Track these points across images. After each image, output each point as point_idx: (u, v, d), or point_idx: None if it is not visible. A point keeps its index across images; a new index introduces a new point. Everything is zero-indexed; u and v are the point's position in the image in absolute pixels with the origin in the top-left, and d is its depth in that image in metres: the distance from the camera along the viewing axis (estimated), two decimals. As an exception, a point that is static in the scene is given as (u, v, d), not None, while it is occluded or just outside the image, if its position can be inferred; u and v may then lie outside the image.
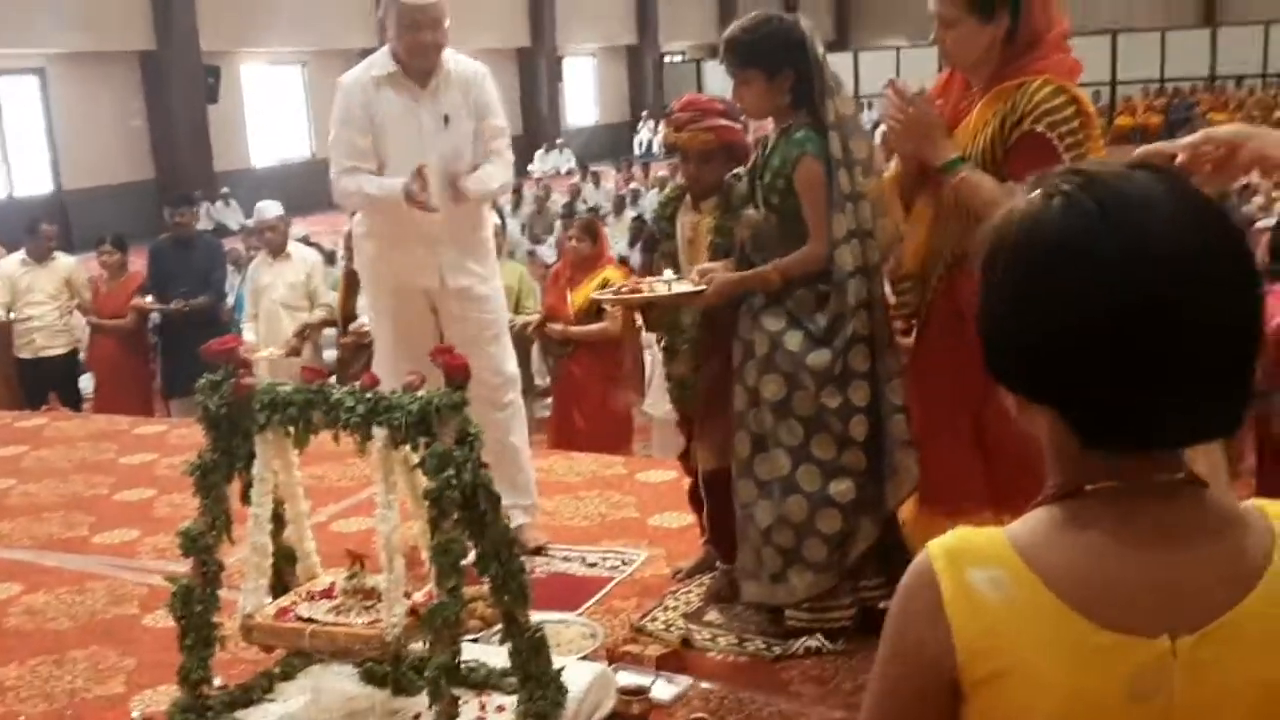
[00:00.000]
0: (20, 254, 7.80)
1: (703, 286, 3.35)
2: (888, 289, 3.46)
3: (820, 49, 3.25)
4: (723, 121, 3.52)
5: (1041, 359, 1.05)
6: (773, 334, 3.28)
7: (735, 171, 3.56)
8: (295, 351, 6.87)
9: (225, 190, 19.54)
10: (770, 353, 3.29)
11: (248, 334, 6.94)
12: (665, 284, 3.44)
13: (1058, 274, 1.03)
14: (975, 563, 1.07)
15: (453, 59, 4.10)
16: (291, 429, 2.87)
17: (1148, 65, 29.31)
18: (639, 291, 3.51)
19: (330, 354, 7.55)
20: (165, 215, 7.94)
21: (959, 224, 2.98)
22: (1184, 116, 24.98)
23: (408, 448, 2.76)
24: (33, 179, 18.67)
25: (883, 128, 3.22)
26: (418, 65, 4.00)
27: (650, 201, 13.84)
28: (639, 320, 4.29)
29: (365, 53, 4.17)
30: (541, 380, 7.13)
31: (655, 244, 3.68)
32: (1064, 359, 1.04)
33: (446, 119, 4.03)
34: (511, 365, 4.29)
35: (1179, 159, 1.78)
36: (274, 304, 7.09)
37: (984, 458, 3.04)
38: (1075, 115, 2.87)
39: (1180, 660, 1.03)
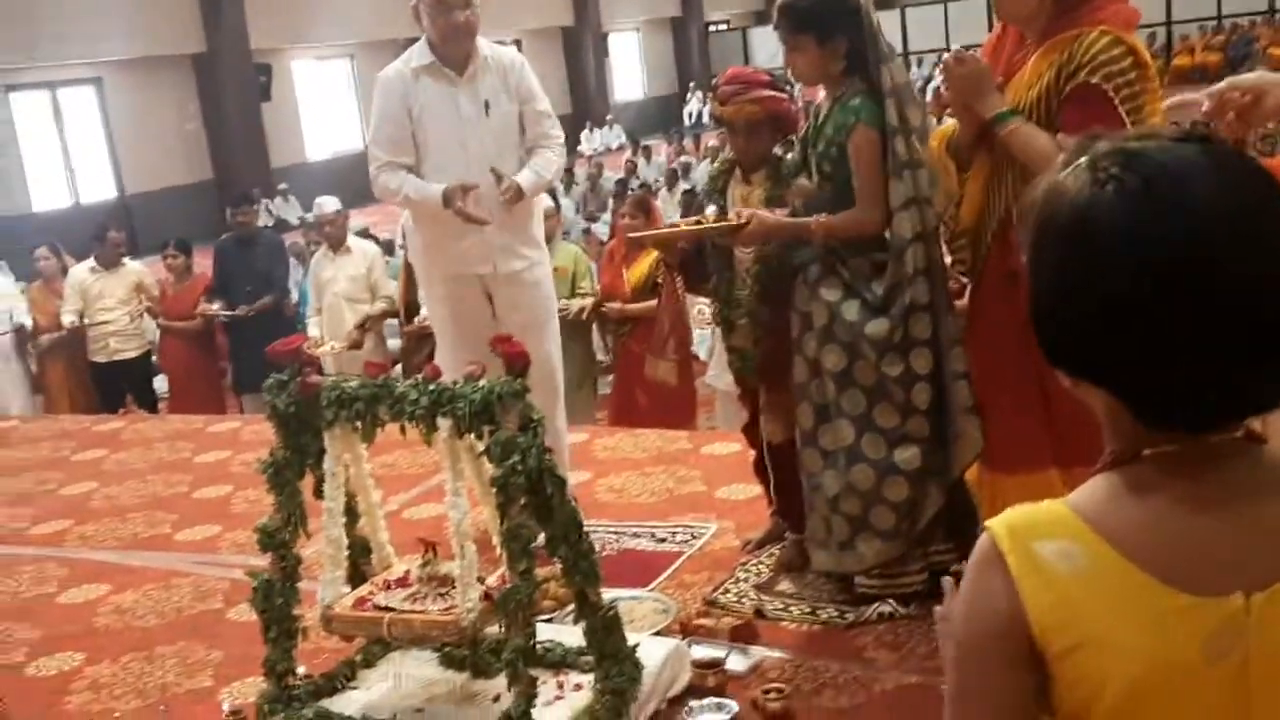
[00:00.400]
0: (90, 261, 7.97)
1: (742, 220, 3.32)
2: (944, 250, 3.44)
3: (874, 15, 3.22)
4: (768, 92, 3.51)
5: (1091, 342, 1.05)
6: (831, 304, 3.27)
7: (787, 139, 3.54)
8: (357, 344, 6.96)
9: (283, 186, 19.78)
10: (829, 323, 3.28)
11: (312, 329, 7.04)
12: (703, 220, 3.45)
13: (1091, 264, 1.02)
14: (1041, 535, 1.06)
15: (489, 47, 4.11)
16: (359, 424, 2.92)
17: (1204, 3, 28.57)
18: (674, 228, 3.53)
19: (395, 344, 7.65)
20: (226, 215, 8.07)
21: (1014, 179, 2.96)
22: (1244, 53, 24.32)
23: (473, 436, 2.80)
24: (96, 186, 19.02)
25: (935, 82, 3.22)
26: (452, 51, 4.01)
27: (702, 173, 13.79)
28: (679, 285, 4.29)
29: (411, 42, 4.19)
30: (603, 357, 7.16)
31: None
32: (1115, 343, 1.03)
33: (487, 105, 4.05)
34: (558, 350, 4.33)
35: (1205, 107, 1.75)
36: (336, 298, 7.18)
37: (1046, 417, 3.02)
38: (1133, 66, 2.83)
39: (1254, 617, 1.02)
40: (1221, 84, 1.80)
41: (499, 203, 4.01)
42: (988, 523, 1.09)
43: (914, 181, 3.17)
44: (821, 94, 3.40)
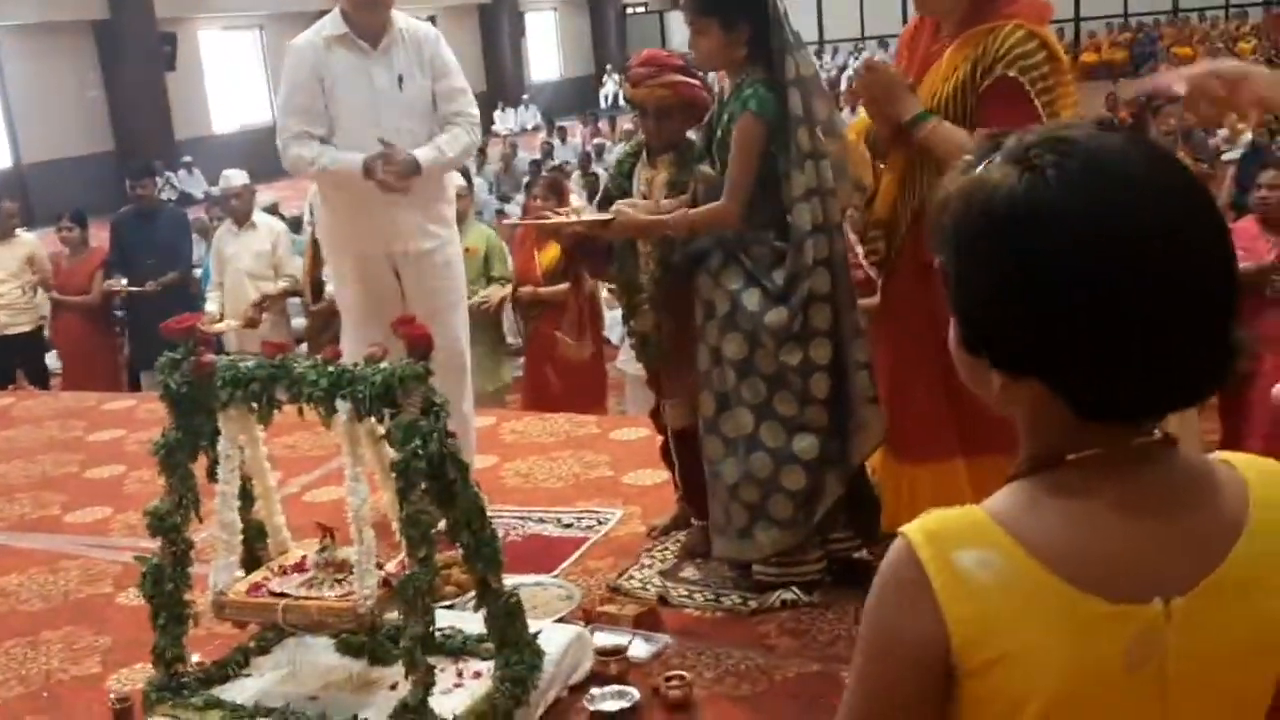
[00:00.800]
0: (-20, 231, 7.68)
1: (609, 216, 3.36)
2: (853, 239, 3.45)
3: (781, 3, 3.21)
4: (680, 77, 3.48)
5: (1030, 337, 1.02)
6: (732, 292, 3.27)
7: (699, 124, 3.53)
8: (253, 323, 6.81)
9: (188, 159, 19.31)
10: (731, 311, 3.27)
11: (210, 305, 6.87)
12: (575, 213, 3.51)
13: (1042, 251, 1.00)
14: (961, 544, 1.02)
15: (404, 20, 4.03)
16: (255, 405, 2.84)
17: (1111, 1, 29.25)
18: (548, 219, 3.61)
19: (300, 323, 7.50)
20: (126, 187, 7.82)
21: (929, 173, 2.98)
22: (1148, 51, 24.97)
23: (373, 419, 2.74)
24: (-9, 154, 18.40)
25: (849, 71, 3.24)
26: (367, 21, 3.94)
27: (616, 155, 13.76)
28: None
29: (323, 15, 4.08)
30: (514, 339, 7.10)
31: (611, 200, 3.64)
32: (1054, 336, 1.01)
33: (401, 79, 3.97)
34: (465, 334, 4.28)
35: (1181, 90, 1.75)
36: (239, 274, 7.01)
37: (953, 407, 3.05)
38: (1046, 60, 2.88)
39: (1174, 623, 1.02)
40: (1200, 68, 1.80)
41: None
42: (904, 529, 1.06)
43: (816, 172, 3.17)
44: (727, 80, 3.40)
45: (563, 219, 3.56)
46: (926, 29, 3.13)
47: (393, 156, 3.79)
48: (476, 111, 4.15)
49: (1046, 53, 2.88)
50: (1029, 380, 1.04)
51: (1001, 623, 1.01)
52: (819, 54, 28.88)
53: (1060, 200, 1.00)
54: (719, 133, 3.28)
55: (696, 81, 3.55)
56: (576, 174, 13.70)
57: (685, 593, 3.52)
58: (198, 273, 8.03)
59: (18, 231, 7.78)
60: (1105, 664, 1.01)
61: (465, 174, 6.95)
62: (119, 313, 8.00)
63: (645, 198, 3.55)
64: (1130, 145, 1.03)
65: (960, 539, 1.03)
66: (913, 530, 1.05)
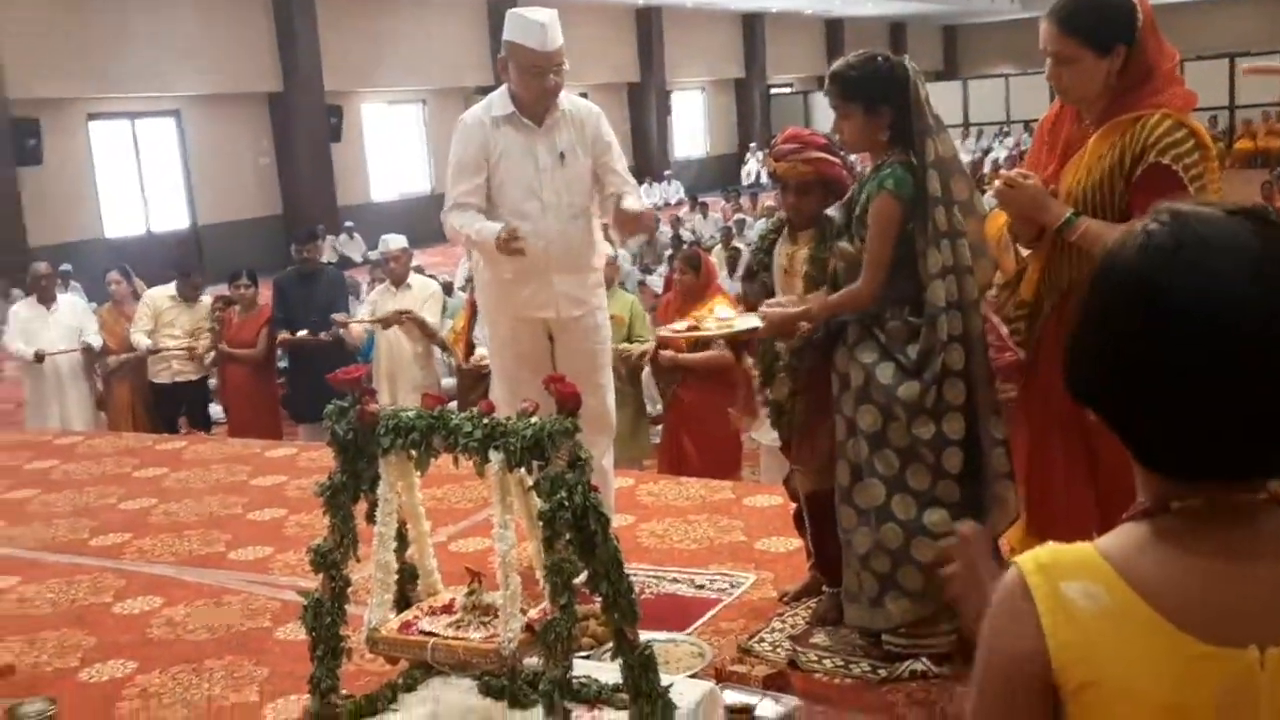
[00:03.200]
0: (170, 288, 8.22)
1: (757, 323, 3.48)
2: (996, 320, 3.47)
3: (924, 90, 3.28)
4: (822, 155, 3.58)
5: (1113, 388, 1.09)
6: (866, 366, 3.33)
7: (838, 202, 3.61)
8: (386, 324, 7.18)
9: (349, 224, 20.12)
10: (865, 384, 3.33)
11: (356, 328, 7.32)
12: (723, 321, 3.70)
13: (1126, 307, 1.07)
14: (1068, 575, 1.09)
15: (567, 99, 4.21)
16: (414, 452, 2.99)
17: (1267, 88, 28.42)
18: (697, 328, 3.78)
19: (449, 382, 7.77)
20: (291, 250, 8.24)
21: (1076, 256, 2.99)
22: (1306, 139, 24.13)
23: (523, 470, 2.87)
24: (170, 215, 19.45)
25: (994, 153, 3.29)
26: (535, 103, 4.13)
27: (756, 231, 13.88)
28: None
29: (481, 90, 4.36)
30: (653, 407, 7.23)
31: (753, 274, 3.75)
32: (1132, 392, 1.07)
33: (563, 156, 4.15)
34: (611, 394, 4.43)
35: None
36: (395, 331, 7.31)
37: (1092, 486, 3.03)
38: (1195, 148, 2.87)
39: (1268, 671, 1.05)
40: None
41: (565, 251, 4.11)
42: (1017, 559, 1.13)
43: (953, 250, 3.22)
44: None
45: (715, 330, 3.75)
46: (1068, 116, 3.15)
47: (516, 233, 3.94)
48: (637, 186, 4.32)
49: (1195, 141, 2.88)
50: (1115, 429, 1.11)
51: (1100, 650, 1.07)
52: (963, 136, 28.75)
53: (1131, 264, 1.07)
54: (858, 210, 3.36)
55: (838, 160, 3.64)
56: (718, 248, 13.87)
57: (815, 658, 3.54)
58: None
59: (201, 298, 8.32)
60: (1197, 703, 1.05)
61: (613, 243, 7.18)
62: (281, 365, 8.40)
63: (786, 272, 3.65)
64: (1249, 227, 1.08)
65: (1069, 571, 1.10)
66: (1025, 560, 1.12)
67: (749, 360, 3.92)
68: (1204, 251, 1.05)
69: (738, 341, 3.88)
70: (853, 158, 3.86)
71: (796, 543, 4.17)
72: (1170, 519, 1.11)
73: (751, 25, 31.35)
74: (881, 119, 3.29)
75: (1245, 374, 1.03)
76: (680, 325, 3.93)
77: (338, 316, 7.60)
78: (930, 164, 3.24)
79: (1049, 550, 1.13)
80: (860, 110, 3.30)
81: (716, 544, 4.67)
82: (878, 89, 3.27)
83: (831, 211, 3.55)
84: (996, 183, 3.06)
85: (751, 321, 3.53)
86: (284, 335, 7.75)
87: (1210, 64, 25.78)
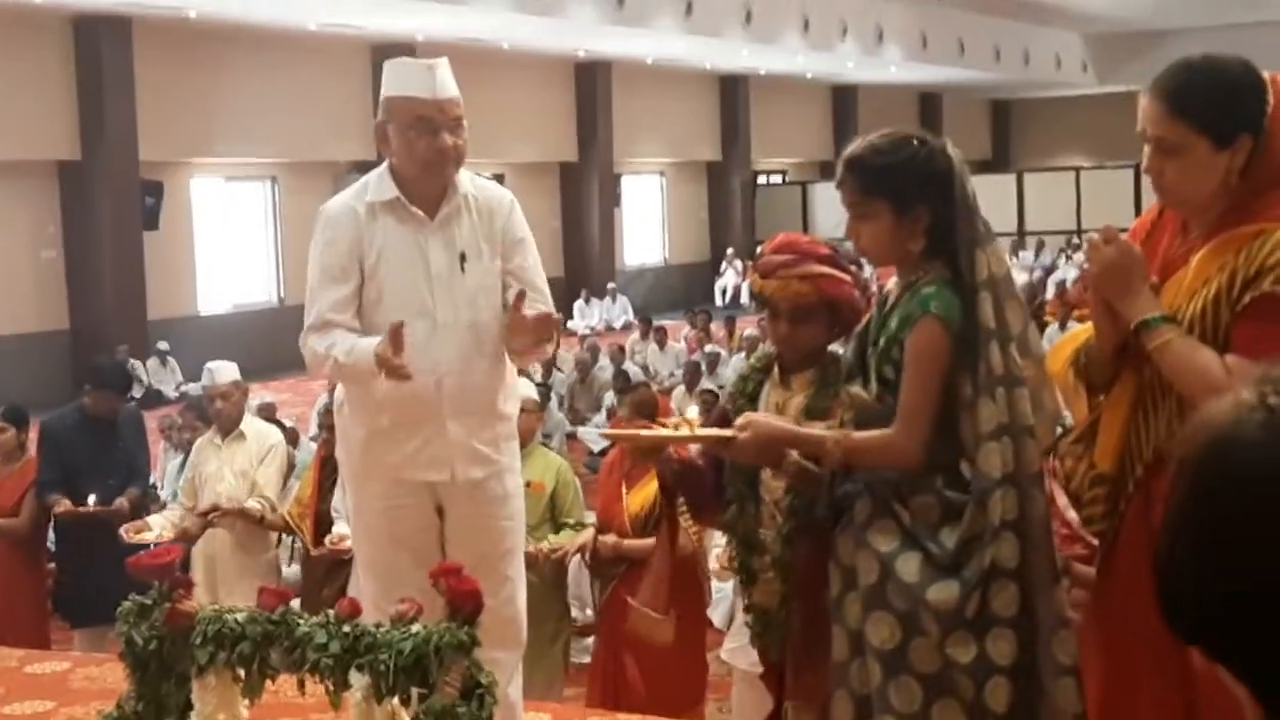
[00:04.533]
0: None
1: (734, 431, 3.41)
2: (1063, 501, 3.48)
3: (970, 186, 3.34)
4: (825, 269, 3.64)
5: (1228, 622, 1.10)
6: (882, 556, 3.31)
7: (846, 335, 3.66)
8: (187, 535, 6.94)
9: (163, 345, 20.02)
10: (879, 583, 3.31)
11: (155, 520, 7.09)
12: (685, 421, 3.55)
13: (1247, 511, 1.08)
14: None
15: (471, 181, 4.27)
16: (242, 671, 2.96)
17: None
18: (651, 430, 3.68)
19: (293, 572, 7.67)
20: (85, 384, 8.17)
21: (1170, 411, 3.03)
22: None
23: (396, 701, 2.84)
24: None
25: (1059, 275, 3.33)
26: (428, 183, 4.16)
27: (735, 369, 14.01)
28: (686, 518, 4.36)
29: (359, 168, 4.39)
30: (580, 613, 7.16)
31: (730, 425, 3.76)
32: (1257, 627, 1.08)
33: (463, 257, 4.18)
34: (523, 592, 4.41)
35: None
36: (217, 499, 7.22)
37: (1189, 706, 3.03)
38: None
39: None
40: None
41: (464, 388, 4.13)
42: None
43: (1010, 403, 3.25)
44: (893, 278, 3.53)
45: (670, 432, 3.61)
46: (1170, 226, 3.21)
47: (399, 339, 3.89)
48: (552, 304, 4.34)
49: None
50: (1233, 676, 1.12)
51: None
52: (1016, 249, 29.35)
53: (1254, 449, 1.09)
54: (881, 343, 3.39)
55: (847, 277, 3.70)
56: (680, 389, 13.99)
57: None
58: (164, 494, 8.29)
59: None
60: None
61: (545, 383, 7.16)
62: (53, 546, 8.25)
63: (776, 428, 3.67)
64: None
65: None
66: None
67: (691, 538, 3.88)
68: None
69: (674, 492, 3.82)
70: (868, 272, 3.93)
71: (782, 812, 4.11)
72: None
73: (732, 92, 31.93)
74: (916, 223, 3.34)
75: None
76: (610, 428, 3.89)
77: (128, 528, 7.22)
78: (981, 283, 3.28)
79: None
80: (888, 210, 3.34)
81: (668, 812, 4.59)
82: (913, 182, 3.32)
83: (838, 347, 3.59)
84: (1091, 235, 3.07)
85: (726, 431, 3.46)
86: (61, 504, 7.63)
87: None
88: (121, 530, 7.05)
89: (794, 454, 3.42)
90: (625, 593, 6.19)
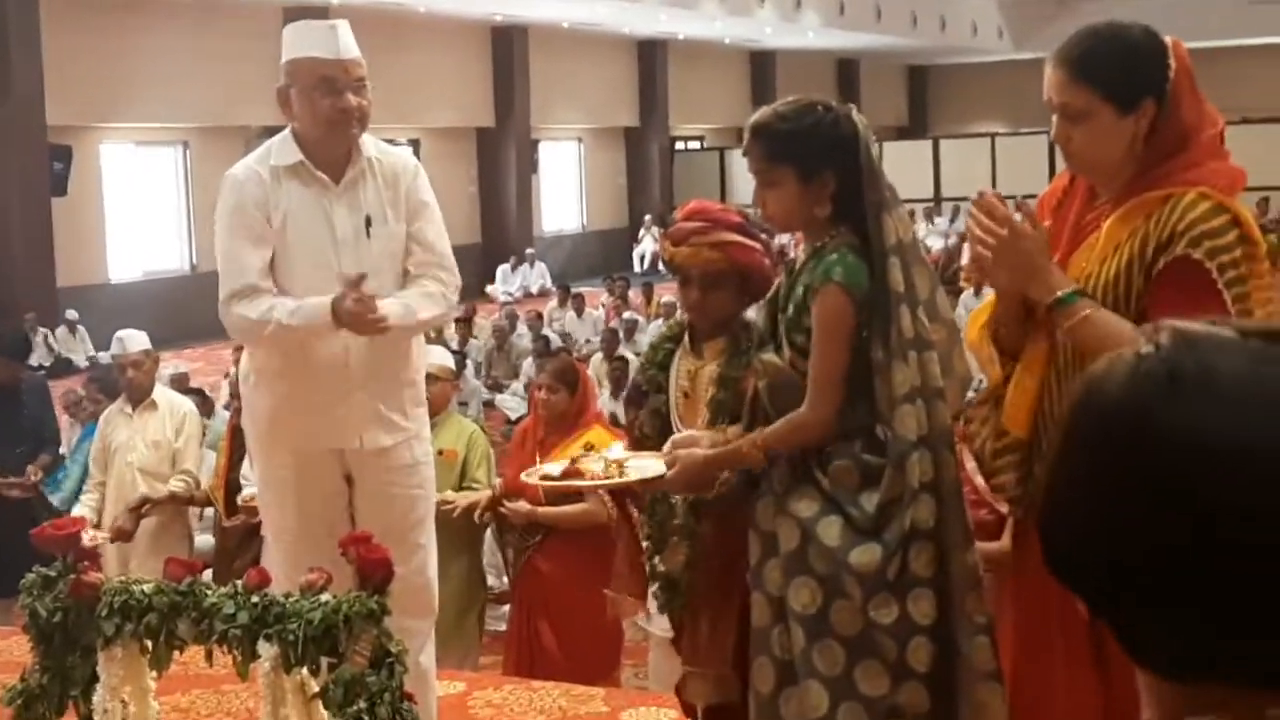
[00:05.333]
0: None
1: (661, 469, 3.46)
2: (971, 465, 3.53)
3: (875, 150, 3.38)
4: (736, 237, 3.65)
5: (1087, 561, 1.14)
6: (804, 521, 3.34)
7: (756, 302, 3.68)
8: (124, 535, 6.91)
9: (71, 314, 19.77)
10: (800, 548, 3.34)
11: (83, 508, 7.00)
12: (613, 464, 3.60)
13: (1113, 455, 1.11)
14: None
15: (375, 145, 4.27)
16: (149, 643, 2.94)
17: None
18: (577, 476, 3.69)
19: (205, 542, 7.62)
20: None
21: (1082, 372, 3.06)
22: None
23: (305, 671, 2.83)
24: None
25: (969, 246, 3.33)
26: (331, 145, 4.15)
27: (653, 336, 14.03)
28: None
29: (270, 132, 4.31)
30: (495, 580, 7.17)
31: (642, 397, 3.78)
32: (1112, 566, 1.11)
33: (369, 222, 4.18)
34: (434, 560, 4.41)
35: None
36: (129, 469, 7.16)
37: (1108, 694, 3.08)
38: (1238, 241, 2.94)
39: None
40: None
41: (370, 355, 4.11)
42: None
43: (921, 367, 3.29)
44: (799, 244, 3.54)
45: (605, 481, 3.68)
46: (1078, 193, 3.23)
47: (364, 293, 3.93)
48: (456, 279, 4.34)
49: (1239, 231, 2.96)
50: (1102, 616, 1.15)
51: None
52: (931, 215, 29.54)
53: (1118, 388, 1.12)
54: (790, 311, 3.41)
55: (758, 245, 3.72)
56: (597, 358, 13.98)
57: None
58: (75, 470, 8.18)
59: None
60: None
61: (459, 350, 7.11)
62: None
63: (686, 395, 3.69)
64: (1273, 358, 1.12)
65: None
66: None
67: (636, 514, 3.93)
68: (1208, 386, 1.10)
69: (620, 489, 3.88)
70: (780, 239, 3.95)
71: (694, 777, 4.15)
72: None
73: (650, 57, 31.92)
74: (822, 188, 3.36)
75: (1257, 545, 1.07)
76: (553, 468, 3.92)
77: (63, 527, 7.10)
78: (890, 248, 3.31)
79: None
80: (793, 176, 3.36)
81: (582, 779, 4.62)
82: (818, 148, 3.34)
83: (750, 314, 3.60)
84: (978, 212, 3.08)
85: (655, 467, 3.53)
86: None
87: (1260, 130, 26.96)
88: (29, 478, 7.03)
89: (723, 474, 3.46)
90: (540, 560, 6.22)
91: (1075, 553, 1.16)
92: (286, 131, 4.22)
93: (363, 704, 2.71)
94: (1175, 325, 1.15)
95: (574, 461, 3.78)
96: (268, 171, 4.18)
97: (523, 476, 5.31)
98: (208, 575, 7.03)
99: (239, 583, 2.94)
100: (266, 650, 2.79)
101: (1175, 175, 3.03)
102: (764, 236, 3.75)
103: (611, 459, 3.66)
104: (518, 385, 14.67)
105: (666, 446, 3.50)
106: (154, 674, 3.03)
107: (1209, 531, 1.08)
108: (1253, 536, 1.08)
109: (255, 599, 2.85)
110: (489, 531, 6.68)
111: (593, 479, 3.70)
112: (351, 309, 3.92)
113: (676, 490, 3.53)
